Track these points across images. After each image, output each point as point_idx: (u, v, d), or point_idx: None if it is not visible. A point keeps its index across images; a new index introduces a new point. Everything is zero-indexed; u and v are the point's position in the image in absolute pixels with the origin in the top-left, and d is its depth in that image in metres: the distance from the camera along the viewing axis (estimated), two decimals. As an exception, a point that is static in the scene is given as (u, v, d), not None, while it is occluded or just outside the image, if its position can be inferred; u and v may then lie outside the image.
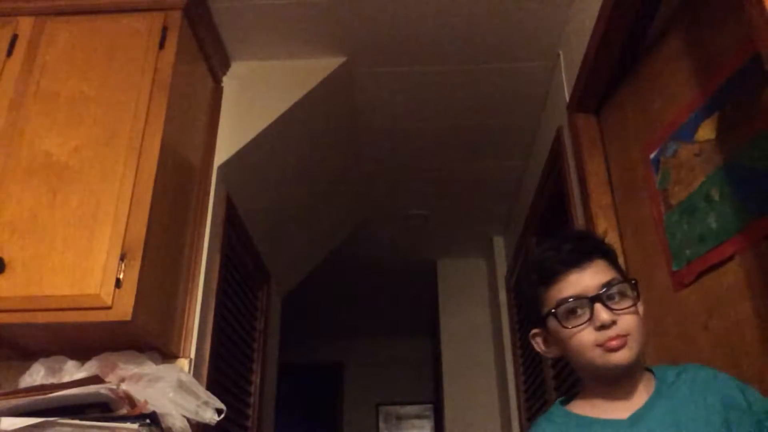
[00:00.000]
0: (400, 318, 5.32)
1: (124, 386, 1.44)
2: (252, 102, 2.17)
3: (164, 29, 1.79)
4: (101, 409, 1.39)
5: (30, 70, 1.73)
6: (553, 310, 0.98)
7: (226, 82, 2.21)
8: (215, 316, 1.96)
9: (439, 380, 4.08)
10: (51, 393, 1.35)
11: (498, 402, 3.59)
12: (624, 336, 0.94)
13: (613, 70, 1.74)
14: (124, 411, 1.39)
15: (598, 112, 1.90)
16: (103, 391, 1.37)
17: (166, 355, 1.69)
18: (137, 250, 1.51)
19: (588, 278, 0.97)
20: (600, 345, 0.94)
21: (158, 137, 1.65)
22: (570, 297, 0.97)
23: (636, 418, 0.95)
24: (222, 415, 1.57)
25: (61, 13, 1.82)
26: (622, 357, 0.93)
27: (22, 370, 1.56)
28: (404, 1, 1.97)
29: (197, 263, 1.89)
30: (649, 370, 1.03)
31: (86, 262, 1.49)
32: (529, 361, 2.96)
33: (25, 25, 1.79)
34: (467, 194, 3.18)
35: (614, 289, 0.96)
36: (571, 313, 0.97)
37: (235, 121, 2.14)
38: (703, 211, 1.36)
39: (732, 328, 1.26)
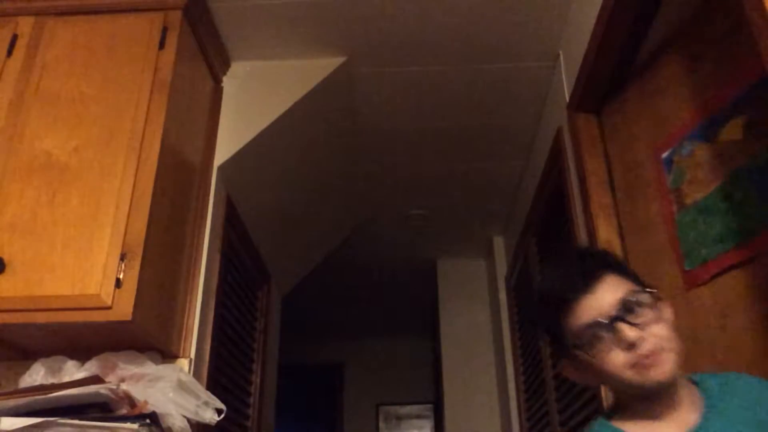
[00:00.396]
0: (400, 318, 5.32)
1: (124, 386, 1.44)
2: (252, 102, 2.17)
3: (164, 29, 1.79)
4: (101, 409, 1.39)
5: (30, 70, 1.73)
6: (575, 342, 0.92)
7: (226, 82, 2.21)
8: (215, 316, 1.96)
9: (439, 380, 4.08)
10: (51, 393, 1.35)
11: (498, 402, 3.59)
12: (657, 350, 0.88)
13: (613, 70, 1.74)
14: (124, 411, 1.39)
15: (598, 112, 1.90)
16: (103, 391, 1.37)
17: (166, 355, 1.69)
18: (137, 250, 1.51)
19: (601, 299, 0.91)
20: (633, 365, 0.88)
21: (158, 137, 1.65)
22: (588, 324, 0.90)
23: None
24: (222, 415, 1.57)
25: (61, 13, 1.82)
26: (660, 373, 0.87)
27: (22, 370, 1.56)
28: (404, 1, 1.98)
29: (197, 263, 1.89)
30: (690, 380, 0.97)
31: (86, 262, 1.49)
32: (529, 361, 2.96)
33: (25, 25, 1.80)
34: (467, 194, 3.18)
35: (632, 302, 0.90)
36: (595, 339, 0.90)
37: (235, 121, 2.14)
38: (724, 211, 1.35)
39: (750, 329, 1.26)
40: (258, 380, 2.59)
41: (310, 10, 2.00)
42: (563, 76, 2.12)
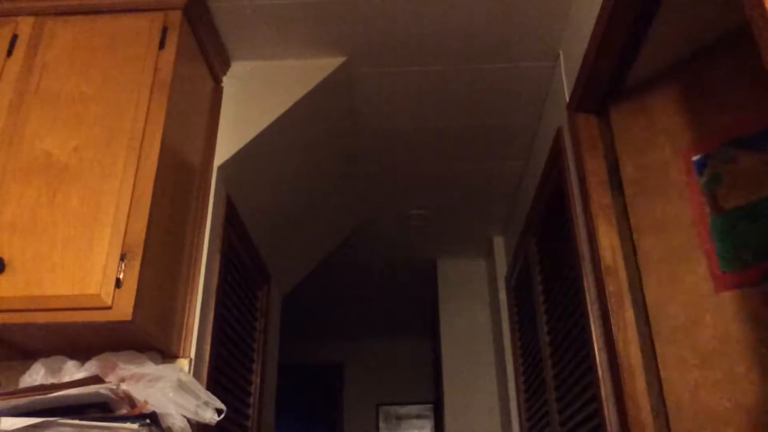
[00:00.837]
0: (400, 318, 5.32)
1: (124, 386, 1.44)
2: (252, 102, 2.17)
3: (164, 29, 1.79)
4: (101, 409, 1.39)
5: (30, 70, 1.73)
6: None
7: (226, 82, 2.21)
8: (215, 316, 1.96)
9: (439, 380, 4.08)
10: (51, 393, 1.35)
11: (498, 402, 3.59)
12: None
13: (613, 70, 1.75)
14: (124, 411, 1.39)
15: (599, 112, 1.90)
16: (103, 391, 1.37)
17: (166, 355, 1.69)
18: (137, 250, 1.51)
19: None
20: None
21: (158, 137, 1.65)
22: None
23: None
24: (222, 415, 1.57)
25: (61, 13, 1.82)
26: None
27: (22, 370, 1.57)
28: (404, 1, 1.98)
29: (197, 263, 1.89)
30: None
31: (86, 262, 1.49)
32: (529, 361, 2.96)
33: (25, 25, 1.80)
34: (467, 194, 3.18)
35: None
36: None
37: (235, 121, 2.14)
38: None
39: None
40: (258, 380, 2.59)
41: (311, 10, 2.00)
42: (563, 76, 2.12)
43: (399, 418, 5.62)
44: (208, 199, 2.00)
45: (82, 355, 1.57)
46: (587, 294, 1.91)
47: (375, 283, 4.51)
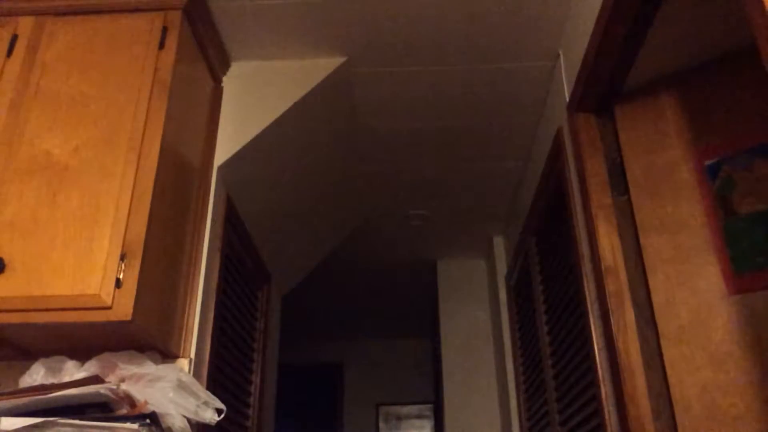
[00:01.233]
0: (400, 318, 5.32)
1: (124, 386, 1.44)
2: (252, 102, 2.17)
3: (164, 29, 1.79)
4: (101, 409, 1.39)
5: (30, 70, 1.73)
6: None
7: (226, 82, 2.21)
8: (215, 316, 1.96)
9: (439, 380, 4.08)
10: (51, 393, 1.35)
11: (498, 402, 3.59)
12: None
13: (613, 70, 1.75)
14: (124, 411, 1.39)
15: (598, 112, 1.90)
16: (103, 391, 1.37)
17: (166, 355, 1.69)
18: (137, 250, 1.51)
19: None
20: None
21: (158, 137, 1.65)
22: None
23: None
24: (222, 415, 1.57)
25: (61, 13, 1.82)
26: None
27: (22, 370, 1.56)
28: (404, 1, 1.98)
29: (197, 263, 1.89)
30: None
31: (86, 262, 1.49)
32: (529, 361, 2.96)
33: (25, 25, 1.80)
34: (467, 194, 3.18)
35: None
36: None
37: (235, 121, 2.14)
38: None
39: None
40: (258, 380, 2.59)
41: (311, 11, 2.00)
42: (563, 76, 2.12)
43: (399, 418, 5.62)
44: (208, 199, 2.00)
45: (82, 355, 1.56)
46: (587, 294, 1.91)
47: (375, 283, 4.51)
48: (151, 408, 1.40)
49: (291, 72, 2.22)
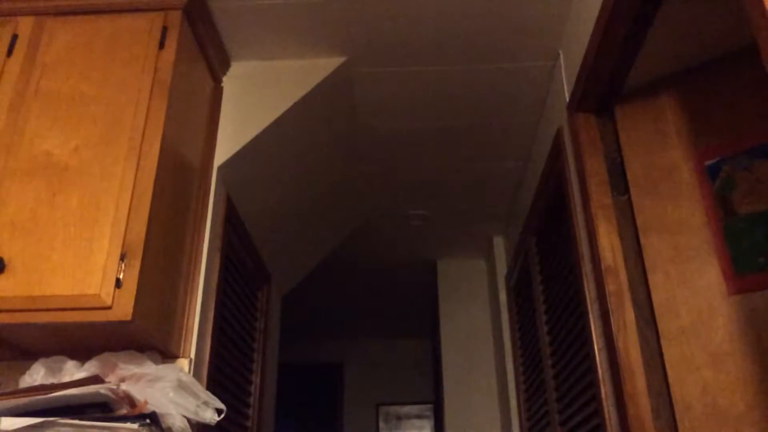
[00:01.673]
0: (400, 318, 5.32)
1: (124, 386, 1.44)
2: (252, 102, 2.17)
3: (164, 29, 1.79)
4: (101, 409, 1.39)
5: (30, 70, 1.73)
6: None
7: (226, 82, 2.21)
8: (215, 316, 1.96)
9: (439, 380, 4.08)
10: (51, 393, 1.35)
11: (498, 402, 3.59)
12: None
13: (613, 70, 1.75)
14: (124, 411, 1.39)
15: (598, 112, 1.90)
16: (103, 391, 1.37)
17: (166, 355, 1.69)
18: (137, 250, 1.51)
19: None
20: None
21: (158, 137, 1.65)
22: None
23: None
24: (222, 415, 1.57)
25: (61, 13, 1.82)
26: None
27: (22, 370, 1.56)
28: (404, 1, 1.98)
29: (197, 263, 1.89)
30: None
31: (86, 262, 1.49)
32: (529, 361, 2.96)
33: (25, 25, 1.80)
34: (467, 194, 3.18)
35: None
36: None
37: (235, 121, 2.14)
38: None
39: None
40: (258, 380, 2.59)
41: (311, 11, 2.00)
42: (563, 76, 2.12)
43: (399, 418, 5.62)
44: (208, 199, 2.00)
45: (82, 355, 1.56)
46: (587, 294, 1.91)
47: (375, 283, 4.51)
48: (151, 408, 1.40)
49: (291, 72, 2.22)
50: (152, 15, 1.81)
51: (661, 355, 1.59)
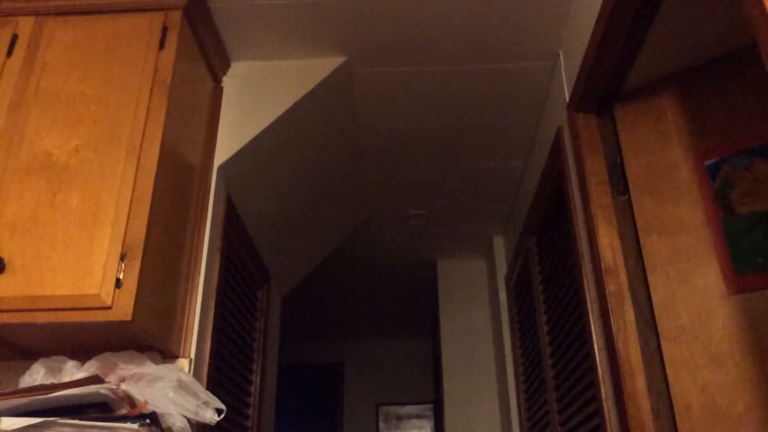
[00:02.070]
0: (400, 318, 5.32)
1: (124, 386, 1.44)
2: (252, 102, 2.17)
3: (164, 29, 1.79)
4: (101, 409, 1.39)
5: (30, 70, 1.73)
6: None
7: (226, 82, 2.21)
8: (215, 316, 1.96)
9: (439, 380, 4.08)
10: (51, 393, 1.35)
11: (498, 402, 3.59)
12: None
13: (613, 70, 1.75)
14: (124, 411, 1.39)
15: (599, 112, 1.90)
16: (103, 391, 1.37)
17: (166, 355, 1.69)
18: (137, 250, 1.51)
19: None
20: None
21: (158, 137, 1.65)
22: None
23: None
24: (222, 415, 1.57)
25: (61, 13, 1.82)
26: None
27: (22, 370, 1.56)
28: (404, 1, 1.98)
29: (197, 263, 1.89)
30: None
31: (86, 262, 1.49)
32: (529, 361, 2.96)
33: (25, 25, 1.80)
34: (467, 194, 3.18)
35: None
36: None
37: (235, 121, 2.14)
38: None
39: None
40: (258, 380, 2.59)
41: (310, 10, 2.00)
42: (563, 76, 2.12)
43: (399, 418, 5.62)
44: (208, 199, 2.00)
45: (82, 355, 1.57)
46: (587, 294, 1.91)
47: (375, 283, 4.51)
48: (151, 408, 1.40)
49: (291, 72, 2.22)
50: (152, 15, 1.81)
51: (660, 355, 1.59)
